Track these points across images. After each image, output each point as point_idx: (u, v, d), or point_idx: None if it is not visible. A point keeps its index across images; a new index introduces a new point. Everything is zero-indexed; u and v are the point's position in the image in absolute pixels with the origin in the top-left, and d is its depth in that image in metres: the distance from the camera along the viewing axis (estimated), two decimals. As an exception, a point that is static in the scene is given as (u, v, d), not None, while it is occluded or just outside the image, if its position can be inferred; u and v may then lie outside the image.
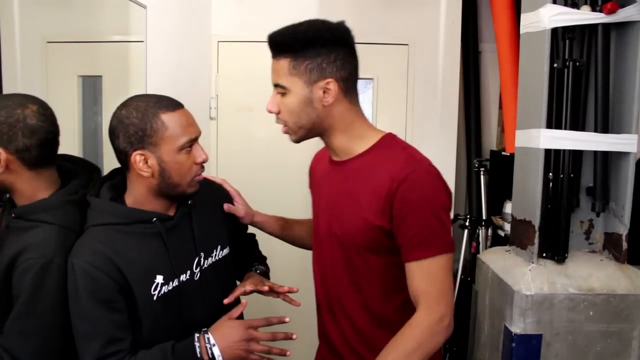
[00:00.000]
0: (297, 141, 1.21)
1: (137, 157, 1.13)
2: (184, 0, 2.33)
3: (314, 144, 2.51)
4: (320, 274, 1.28)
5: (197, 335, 1.15)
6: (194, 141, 1.17)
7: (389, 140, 1.19)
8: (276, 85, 1.15)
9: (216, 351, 1.13)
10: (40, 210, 1.18)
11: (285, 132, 1.20)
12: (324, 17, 1.13)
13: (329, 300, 1.25)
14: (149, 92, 2.22)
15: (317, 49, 1.11)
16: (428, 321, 1.08)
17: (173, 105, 1.16)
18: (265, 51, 1.17)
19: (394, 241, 1.12)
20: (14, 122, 1.14)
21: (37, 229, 1.16)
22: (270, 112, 1.18)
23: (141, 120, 1.12)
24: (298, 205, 2.61)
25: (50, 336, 1.14)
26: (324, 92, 1.12)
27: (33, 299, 1.11)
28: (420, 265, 1.09)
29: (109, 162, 2.41)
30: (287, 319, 1.18)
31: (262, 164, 2.58)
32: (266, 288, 1.29)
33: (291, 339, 1.20)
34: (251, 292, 1.31)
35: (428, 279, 1.08)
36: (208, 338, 1.14)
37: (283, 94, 1.14)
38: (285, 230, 1.52)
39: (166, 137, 1.13)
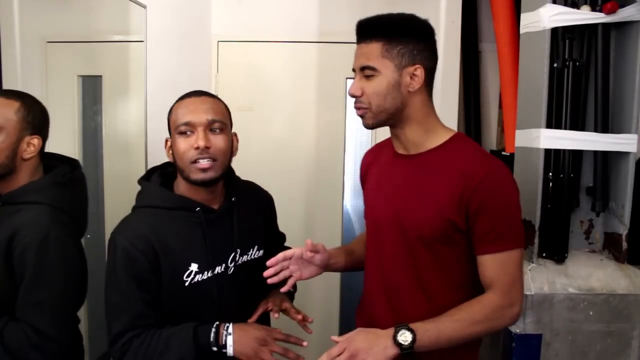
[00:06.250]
0: (372, 126, 1.20)
1: (166, 143, 1.25)
2: (184, 0, 2.32)
3: (312, 145, 2.53)
4: (377, 262, 1.28)
5: (217, 322, 1.19)
6: (190, 125, 1.19)
7: (462, 140, 1.22)
8: (363, 69, 1.16)
9: (229, 340, 1.16)
10: (28, 193, 1.21)
11: (361, 115, 1.20)
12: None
13: (386, 288, 1.25)
14: (149, 91, 2.24)
15: (410, 36, 1.16)
16: (499, 303, 1.12)
17: (189, 94, 1.24)
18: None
19: (461, 234, 1.15)
20: (47, 114, 1.23)
21: (26, 210, 1.19)
22: (353, 95, 1.19)
23: (169, 112, 1.24)
24: (298, 204, 2.62)
25: (63, 303, 1.19)
26: (411, 77, 1.15)
27: (39, 272, 1.14)
28: (494, 258, 1.13)
29: (109, 162, 2.42)
30: (305, 344, 1.22)
31: (261, 164, 2.57)
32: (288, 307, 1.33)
33: (302, 345, 1.24)
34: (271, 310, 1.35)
35: (501, 269, 1.13)
36: (227, 327, 1.18)
37: (369, 77, 1.15)
38: (348, 255, 1.40)
39: (172, 122, 1.22)
